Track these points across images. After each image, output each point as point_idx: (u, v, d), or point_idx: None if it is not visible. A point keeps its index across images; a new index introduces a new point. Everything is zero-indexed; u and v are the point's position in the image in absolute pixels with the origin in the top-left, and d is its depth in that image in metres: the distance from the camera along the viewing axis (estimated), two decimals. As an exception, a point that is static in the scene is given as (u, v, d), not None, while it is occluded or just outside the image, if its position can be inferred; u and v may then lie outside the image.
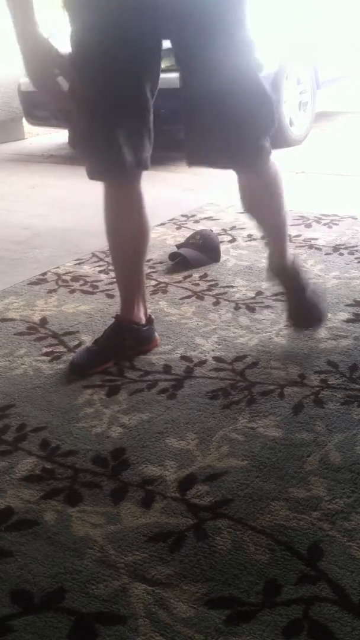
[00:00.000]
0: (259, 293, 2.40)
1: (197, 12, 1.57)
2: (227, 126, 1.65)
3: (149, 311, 2.06)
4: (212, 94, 1.63)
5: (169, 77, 1.82)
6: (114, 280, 2.60)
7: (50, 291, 2.54)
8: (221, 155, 1.72)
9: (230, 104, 1.64)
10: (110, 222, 1.91)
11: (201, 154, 1.74)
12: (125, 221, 1.90)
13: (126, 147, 1.72)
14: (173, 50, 1.68)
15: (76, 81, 1.63)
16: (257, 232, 3.05)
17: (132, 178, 1.83)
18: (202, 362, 1.94)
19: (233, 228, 3.16)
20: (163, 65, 1.72)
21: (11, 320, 2.30)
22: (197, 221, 3.33)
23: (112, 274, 2.65)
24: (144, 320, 2.01)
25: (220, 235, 3.02)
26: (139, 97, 1.70)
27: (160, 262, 2.76)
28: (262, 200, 1.91)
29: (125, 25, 1.59)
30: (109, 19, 1.58)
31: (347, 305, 2.27)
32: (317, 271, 2.58)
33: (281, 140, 4.82)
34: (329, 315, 2.19)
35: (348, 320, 2.15)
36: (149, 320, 2.03)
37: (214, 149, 1.70)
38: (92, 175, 1.81)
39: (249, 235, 3.02)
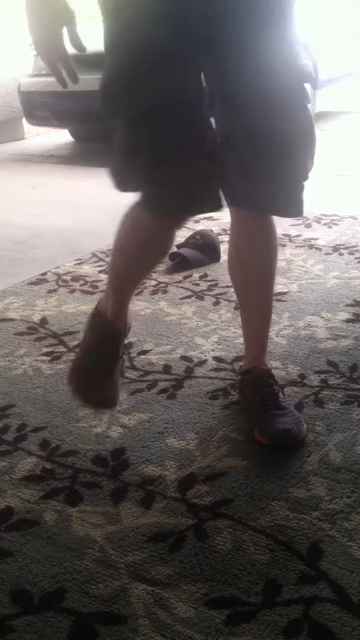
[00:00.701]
0: (259, 293, 2.40)
1: (240, 22, 1.32)
2: (272, 167, 1.42)
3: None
4: (256, 129, 1.38)
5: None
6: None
7: (50, 291, 2.54)
8: (262, 199, 1.47)
9: (277, 143, 1.40)
10: (137, 251, 1.55)
11: (243, 197, 1.47)
12: (157, 251, 1.60)
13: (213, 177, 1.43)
14: (208, 76, 1.42)
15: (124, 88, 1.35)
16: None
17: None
18: (202, 362, 1.94)
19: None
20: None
21: (11, 320, 2.30)
22: (197, 221, 3.33)
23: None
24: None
25: (220, 235, 3.02)
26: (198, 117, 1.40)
27: (160, 262, 2.76)
28: (259, 259, 1.64)
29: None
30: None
31: (347, 305, 2.27)
32: (317, 271, 2.59)
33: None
34: (329, 315, 2.19)
35: (348, 320, 2.15)
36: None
37: (258, 193, 1.46)
38: (165, 212, 1.44)
39: (249, 235, 3.02)
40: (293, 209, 1.51)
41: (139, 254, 1.56)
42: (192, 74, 1.39)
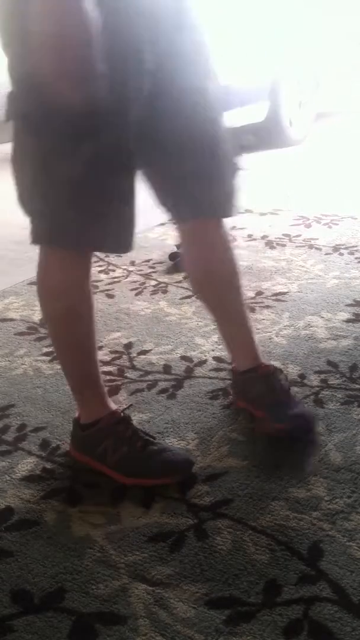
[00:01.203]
0: (258, 293, 2.40)
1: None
2: (218, 168, 1.44)
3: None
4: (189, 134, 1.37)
5: None
6: (114, 280, 2.61)
7: (50, 291, 2.54)
8: (218, 202, 1.48)
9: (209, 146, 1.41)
10: (73, 304, 1.45)
11: (202, 204, 1.46)
12: (90, 299, 1.48)
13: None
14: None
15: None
16: (256, 232, 3.07)
17: None
18: (202, 362, 1.94)
19: (233, 228, 3.15)
20: None
21: (11, 320, 2.30)
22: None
23: (112, 274, 2.66)
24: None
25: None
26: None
27: (160, 262, 2.76)
28: (225, 260, 1.59)
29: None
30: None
31: (347, 305, 2.27)
32: (317, 271, 2.59)
33: (281, 141, 4.82)
34: (329, 315, 2.19)
35: (348, 320, 2.15)
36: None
37: (214, 197, 1.46)
38: (84, 244, 1.40)
39: (249, 235, 3.02)
40: (233, 207, 1.50)
41: (75, 305, 1.45)
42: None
